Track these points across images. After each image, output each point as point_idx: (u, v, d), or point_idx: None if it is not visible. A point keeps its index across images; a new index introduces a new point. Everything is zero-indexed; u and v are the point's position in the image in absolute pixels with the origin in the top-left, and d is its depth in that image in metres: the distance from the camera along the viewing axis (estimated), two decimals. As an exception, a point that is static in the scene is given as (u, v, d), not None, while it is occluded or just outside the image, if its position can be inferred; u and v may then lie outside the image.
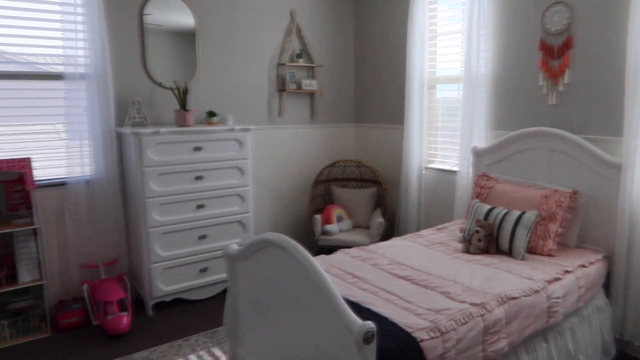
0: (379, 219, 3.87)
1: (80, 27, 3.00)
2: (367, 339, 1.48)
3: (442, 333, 1.80)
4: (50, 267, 3.09)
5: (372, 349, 1.50)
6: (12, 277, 2.85)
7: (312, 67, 4.19)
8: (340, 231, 3.98)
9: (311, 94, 4.25)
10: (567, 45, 2.83)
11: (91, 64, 3.04)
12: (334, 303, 1.59)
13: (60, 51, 3.01)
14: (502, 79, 3.25)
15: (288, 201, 4.26)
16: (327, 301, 1.62)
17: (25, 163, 2.81)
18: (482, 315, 1.95)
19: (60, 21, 2.98)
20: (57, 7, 2.98)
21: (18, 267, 2.83)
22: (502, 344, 1.98)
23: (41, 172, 3.01)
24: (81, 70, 3.03)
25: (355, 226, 4.13)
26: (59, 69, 3.04)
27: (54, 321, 2.99)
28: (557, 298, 2.24)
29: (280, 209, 4.22)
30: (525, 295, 2.14)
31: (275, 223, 4.19)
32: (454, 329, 1.84)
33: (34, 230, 2.89)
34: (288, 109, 4.10)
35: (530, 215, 2.66)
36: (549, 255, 2.63)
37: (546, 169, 2.98)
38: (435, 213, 3.84)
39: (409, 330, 1.77)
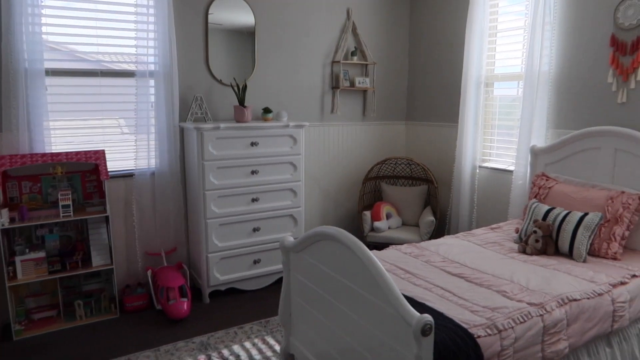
0: (429, 217, 3.85)
1: (152, 27, 3.19)
2: (424, 331, 1.50)
3: (500, 331, 1.79)
4: (118, 253, 3.31)
5: (429, 341, 1.52)
6: (85, 261, 3.08)
7: (366, 65, 4.21)
8: (389, 228, 3.99)
9: (364, 92, 4.28)
10: (640, 41, 2.70)
11: (160, 62, 3.22)
12: (391, 296, 1.62)
13: (133, 50, 3.22)
14: (567, 76, 3.14)
15: (337, 197, 4.32)
16: (384, 294, 1.66)
17: (100, 155, 3.03)
18: (541, 316, 1.92)
19: (135, 22, 3.19)
20: (132, 9, 3.18)
21: (92, 252, 3.05)
22: (563, 345, 1.94)
23: (111, 164, 3.23)
24: (151, 67, 3.22)
25: (404, 224, 4.13)
26: (132, 67, 3.25)
27: (121, 303, 3.20)
28: (623, 302, 2.15)
29: (329, 205, 4.29)
30: (587, 298, 2.08)
31: (324, 218, 4.26)
32: (512, 328, 1.82)
33: (106, 217, 3.10)
34: (340, 106, 4.15)
35: (593, 217, 2.57)
36: (614, 258, 2.53)
37: (610, 169, 2.86)
38: (488, 213, 3.77)
39: (465, 326, 1.77)
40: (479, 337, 1.74)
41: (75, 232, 3.16)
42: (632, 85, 2.79)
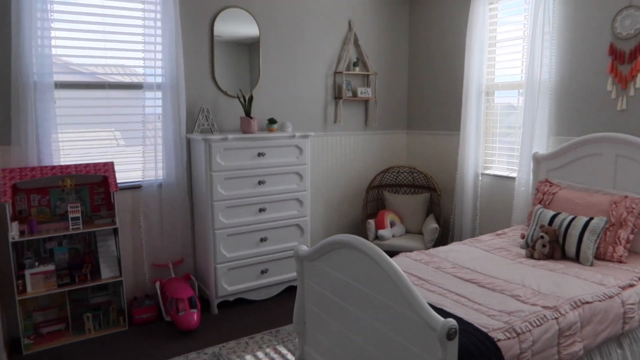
0: (433, 225, 3.89)
1: (159, 39, 3.23)
2: (450, 335, 1.53)
3: (518, 334, 1.83)
4: (125, 265, 3.30)
5: (454, 345, 1.55)
6: (94, 274, 3.07)
7: (367, 75, 4.28)
8: (393, 236, 4.03)
9: (365, 102, 4.34)
10: (639, 50, 2.79)
11: (167, 74, 3.25)
12: (414, 302, 1.65)
13: (140, 62, 3.25)
14: (567, 84, 3.23)
15: (341, 206, 4.35)
16: (406, 300, 1.69)
17: (109, 166, 3.04)
18: (556, 319, 1.96)
19: (142, 34, 3.23)
20: (140, 22, 3.22)
21: (101, 264, 3.05)
22: (578, 347, 1.98)
23: (118, 175, 3.22)
24: (158, 80, 3.25)
25: (408, 232, 4.17)
26: (139, 79, 3.27)
27: (129, 316, 3.19)
28: (633, 304, 2.20)
29: (333, 214, 4.32)
30: (599, 300, 2.13)
31: (328, 227, 4.29)
32: (529, 331, 1.86)
33: (114, 229, 3.11)
34: (343, 116, 4.21)
35: (598, 221, 2.63)
36: (619, 261, 2.59)
37: (612, 175, 2.93)
38: (491, 219, 3.82)
39: (484, 330, 1.81)
40: (498, 340, 1.77)
41: (83, 245, 3.16)
42: (632, 92, 2.88)
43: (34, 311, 3.02)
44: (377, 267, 1.82)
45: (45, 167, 2.89)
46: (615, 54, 2.93)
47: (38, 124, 2.94)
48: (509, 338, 1.80)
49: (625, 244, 2.63)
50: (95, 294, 3.21)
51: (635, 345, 2.28)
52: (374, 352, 1.92)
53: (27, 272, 2.84)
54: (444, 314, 1.92)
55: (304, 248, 2.40)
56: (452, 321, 1.54)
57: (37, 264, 2.91)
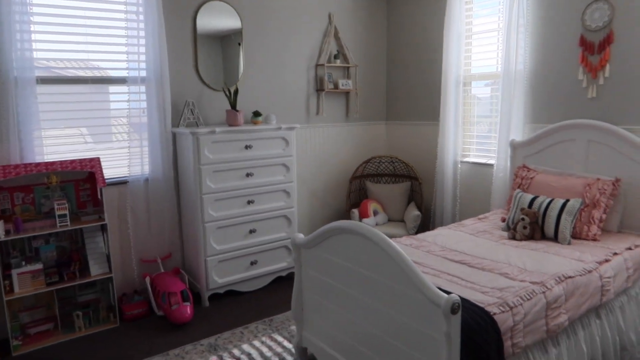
0: (414, 212, 4.02)
1: (142, 33, 3.19)
2: (454, 310, 1.63)
3: (511, 308, 1.95)
4: (114, 261, 3.26)
5: (457, 318, 1.65)
6: (82, 271, 3.03)
7: (348, 67, 4.35)
8: (377, 224, 4.13)
9: (346, 93, 4.41)
10: (607, 41, 2.97)
11: (151, 68, 3.22)
12: (418, 281, 1.74)
13: (124, 57, 3.20)
14: (541, 74, 3.39)
15: (324, 196, 4.42)
16: (410, 280, 1.78)
17: (96, 162, 2.99)
18: (543, 293, 2.10)
19: (125, 28, 3.18)
20: (122, 15, 3.18)
21: (89, 261, 3.01)
22: (563, 318, 2.12)
23: (104, 171, 3.17)
24: (142, 74, 3.22)
25: (390, 220, 4.28)
26: (123, 73, 3.23)
27: (120, 312, 3.16)
28: (609, 277, 2.38)
29: (317, 204, 4.38)
30: (580, 275, 2.28)
31: (313, 218, 4.35)
32: (521, 304, 1.99)
33: (102, 226, 3.07)
34: (325, 108, 4.27)
35: (574, 203, 2.80)
36: (594, 240, 2.77)
37: (584, 159, 3.12)
38: (471, 205, 3.98)
39: (480, 305, 1.92)
40: (494, 314, 1.89)
41: (70, 242, 3.11)
42: (601, 81, 3.06)
43: (20, 312, 2.95)
44: (379, 250, 1.91)
45: (30, 164, 2.83)
46: (586, 45, 3.11)
47: (19, 121, 2.86)
48: (503, 312, 1.92)
49: (599, 223, 2.81)
50: (84, 291, 3.16)
51: (611, 316, 2.46)
52: (377, 332, 2.00)
53: (14, 272, 2.78)
54: (442, 292, 2.02)
55: (301, 236, 2.46)
56: (455, 296, 1.64)
57: (23, 263, 2.85)
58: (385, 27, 4.64)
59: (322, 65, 4.14)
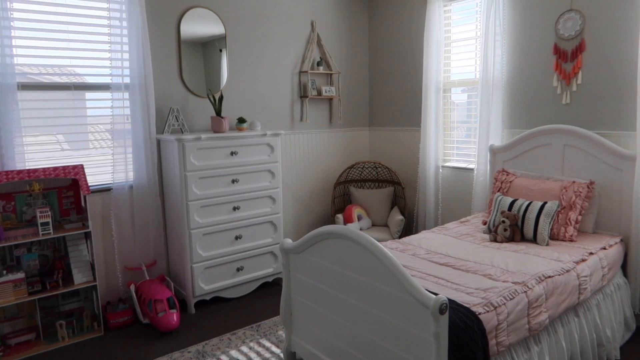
0: (398, 217, 4.09)
1: (125, 39, 3.18)
2: (442, 310, 1.68)
3: (495, 307, 2.02)
4: (97, 269, 3.22)
5: (445, 319, 1.70)
6: (65, 280, 2.98)
7: (331, 74, 4.41)
8: (361, 229, 4.18)
9: (330, 100, 4.47)
10: (579, 49, 3.10)
11: (135, 74, 3.21)
12: (407, 284, 1.79)
13: (107, 63, 3.19)
14: (517, 81, 3.51)
15: (309, 202, 4.46)
16: (399, 282, 1.82)
17: (79, 169, 2.96)
18: (525, 292, 2.17)
19: (109, 34, 3.16)
20: (105, 21, 3.16)
21: (73, 270, 2.97)
22: (544, 317, 2.20)
23: (87, 178, 3.14)
24: (126, 80, 3.20)
25: (374, 224, 4.34)
26: (106, 80, 3.20)
27: (104, 321, 3.13)
28: (585, 276, 2.48)
29: (302, 210, 4.42)
30: (559, 274, 2.37)
31: (298, 223, 4.38)
32: (504, 304, 2.06)
33: (85, 234, 3.03)
34: (309, 114, 4.31)
35: (552, 205, 2.91)
36: (571, 240, 2.88)
37: (560, 163, 3.24)
38: (453, 208, 4.08)
39: (466, 305, 1.98)
40: (479, 314, 1.95)
41: (52, 251, 3.06)
42: (574, 88, 3.19)
43: (1, 322, 2.89)
44: (368, 254, 1.95)
45: (11, 171, 2.78)
46: (559, 53, 3.24)
47: (0, 127, 2.82)
48: (487, 311, 1.99)
49: (575, 225, 2.92)
50: (67, 300, 3.11)
51: (589, 314, 2.56)
52: (366, 334, 2.04)
53: (-5, 282, 2.73)
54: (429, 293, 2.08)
55: (289, 241, 2.49)
56: (443, 297, 1.69)
57: (5, 272, 2.79)
58: (367, 35, 4.72)
59: (306, 72, 4.19)
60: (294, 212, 4.35)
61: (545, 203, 2.94)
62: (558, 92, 3.28)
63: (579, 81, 3.15)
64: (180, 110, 3.51)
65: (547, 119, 3.36)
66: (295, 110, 4.24)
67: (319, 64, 4.29)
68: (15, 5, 2.87)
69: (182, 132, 3.47)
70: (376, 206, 4.35)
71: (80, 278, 2.99)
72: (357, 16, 4.62)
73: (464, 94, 4.09)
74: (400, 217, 4.08)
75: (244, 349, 2.85)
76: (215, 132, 3.45)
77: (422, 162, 4.15)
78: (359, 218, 4.24)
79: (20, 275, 2.80)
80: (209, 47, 3.71)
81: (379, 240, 3.65)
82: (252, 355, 2.77)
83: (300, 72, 4.21)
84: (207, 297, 3.42)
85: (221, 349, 2.84)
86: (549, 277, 2.33)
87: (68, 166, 2.95)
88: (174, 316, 3.04)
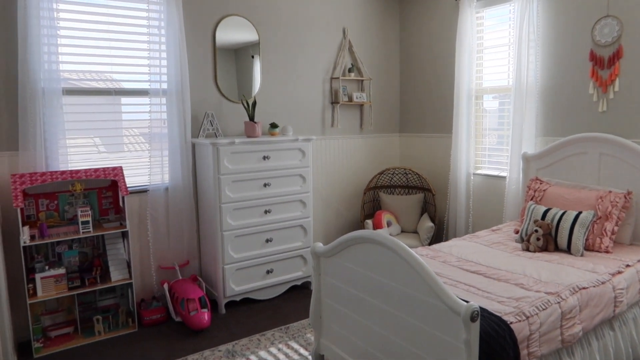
0: (428, 224, 4.07)
1: (163, 47, 3.31)
2: (473, 317, 1.68)
3: (527, 317, 2.00)
4: (133, 268, 3.34)
5: (476, 326, 1.70)
6: (103, 277, 3.11)
7: (362, 81, 4.45)
8: (390, 235, 4.17)
9: (361, 106, 4.50)
10: (617, 56, 3.04)
11: (172, 81, 3.33)
12: (438, 290, 1.79)
13: (146, 69, 3.32)
14: (552, 88, 3.46)
15: (338, 207, 4.49)
16: (430, 289, 1.83)
17: (118, 171, 3.08)
18: (558, 303, 2.14)
19: (148, 42, 3.30)
20: (145, 30, 3.30)
21: (110, 267, 3.09)
22: (577, 329, 2.16)
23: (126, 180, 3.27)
24: (164, 86, 3.32)
25: (403, 231, 4.33)
26: (145, 85, 3.34)
27: (139, 317, 3.23)
28: (622, 289, 2.41)
29: (331, 215, 4.45)
30: (594, 286, 2.32)
31: (327, 228, 4.41)
32: (537, 314, 2.03)
33: (122, 233, 3.15)
34: (340, 120, 4.35)
35: (587, 215, 2.84)
36: (606, 252, 2.81)
37: (596, 172, 3.16)
38: (484, 216, 4.03)
39: (498, 314, 1.97)
40: (511, 323, 1.93)
41: (91, 248, 3.19)
42: (611, 95, 3.12)
43: (42, 315, 3.03)
44: (399, 259, 1.97)
45: (55, 172, 2.92)
46: (596, 60, 3.18)
47: (45, 130, 2.97)
48: (519, 321, 1.97)
49: (611, 235, 2.85)
50: (103, 296, 3.24)
51: (624, 328, 2.49)
52: (396, 339, 2.05)
53: (38, 276, 2.86)
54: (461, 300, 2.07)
55: (320, 245, 2.52)
56: (474, 305, 1.69)
57: (47, 267, 2.93)
58: (398, 41, 4.74)
59: (337, 78, 4.24)
60: (323, 216, 4.39)
61: (580, 213, 2.88)
62: (594, 100, 3.21)
63: (616, 89, 3.08)
64: (215, 115, 3.61)
65: (582, 127, 3.29)
66: (326, 116, 4.29)
67: (350, 70, 4.33)
68: (62, 15, 3.03)
69: (217, 137, 3.57)
70: (406, 212, 4.34)
71: (117, 275, 3.10)
72: (389, 23, 4.65)
73: (496, 101, 4.04)
74: (430, 224, 4.06)
75: (273, 350, 2.89)
76: (248, 136, 3.53)
77: (453, 169, 4.12)
78: (389, 224, 4.24)
79: (62, 271, 2.93)
80: (241, 54, 3.80)
81: (409, 247, 3.67)
82: (281, 356, 2.81)
83: (332, 78, 4.26)
84: (238, 298, 3.49)
85: (250, 349, 2.90)
86: (584, 288, 2.28)
87: (108, 168, 3.08)
88: (205, 315, 3.11)
